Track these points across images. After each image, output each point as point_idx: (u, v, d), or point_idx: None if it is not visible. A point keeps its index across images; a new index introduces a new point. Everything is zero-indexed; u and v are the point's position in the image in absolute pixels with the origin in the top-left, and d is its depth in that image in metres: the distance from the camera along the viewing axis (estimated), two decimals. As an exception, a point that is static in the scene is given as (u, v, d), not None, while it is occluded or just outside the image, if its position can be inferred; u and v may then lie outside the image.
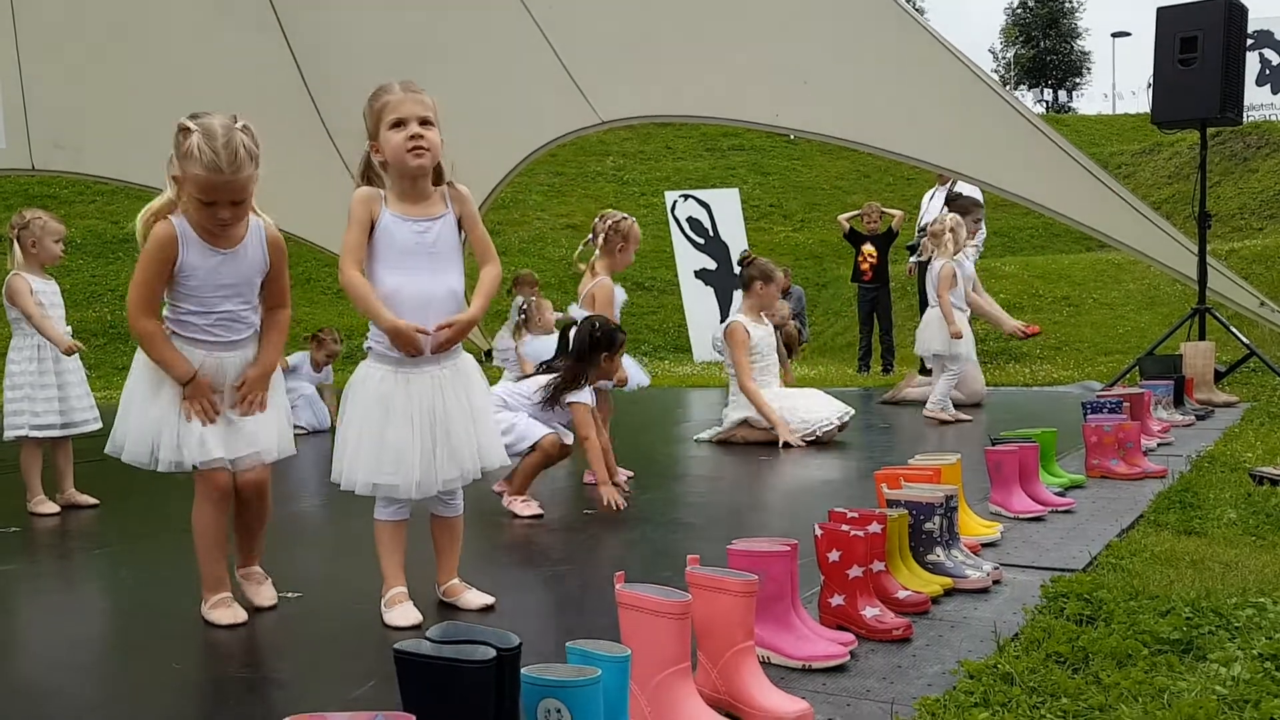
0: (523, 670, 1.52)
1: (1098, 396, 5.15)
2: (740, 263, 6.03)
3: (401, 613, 2.48)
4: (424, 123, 2.50)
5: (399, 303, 2.50)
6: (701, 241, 13.87)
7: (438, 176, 2.63)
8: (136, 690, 2.22)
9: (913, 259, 9.61)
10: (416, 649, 1.47)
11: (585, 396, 3.99)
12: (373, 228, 2.53)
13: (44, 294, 4.40)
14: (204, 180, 2.41)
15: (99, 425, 4.53)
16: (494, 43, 7.66)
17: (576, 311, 4.74)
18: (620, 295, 4.86)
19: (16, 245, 4.39)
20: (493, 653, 1.43)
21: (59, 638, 2.62)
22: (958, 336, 6.57)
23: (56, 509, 4.33)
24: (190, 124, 2.43)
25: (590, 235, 4.92)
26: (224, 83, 8.20)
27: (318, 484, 4.77)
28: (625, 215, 4.89)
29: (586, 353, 4.05)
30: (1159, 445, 5.02)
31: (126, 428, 2.56)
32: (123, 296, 16.37)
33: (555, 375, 4.02)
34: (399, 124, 2.49)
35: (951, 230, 6.68)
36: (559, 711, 1.50)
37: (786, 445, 5.55)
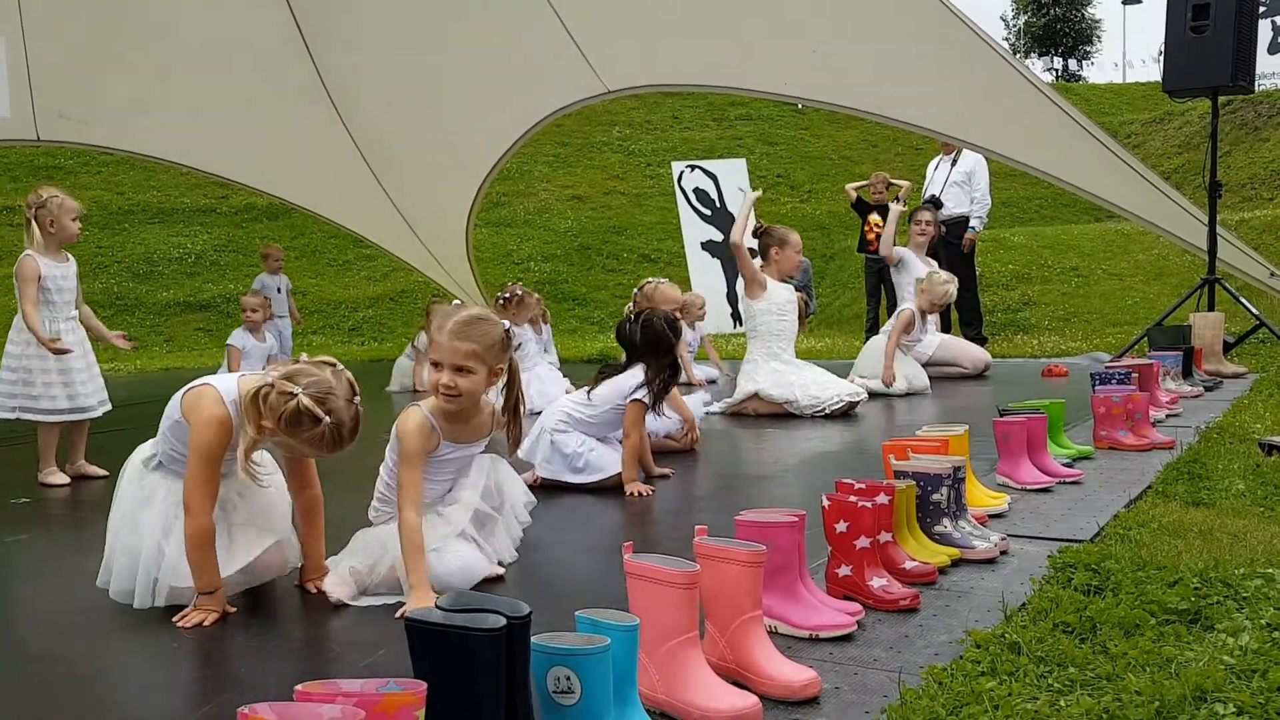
0: (533, 639, 1.53)
1: (1106, 368, 5.14)
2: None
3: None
4: (459, 369, 2.53)
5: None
6: (708, 213, 13.82)
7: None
8: (145, 658, 2.24)
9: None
10: (428, 617, 1.48)
11: (645, 396, 3.96)
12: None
13: (53, 278, 4.38)
14: (319, 453, 2.44)
15: (108, 408, 4.55)
16: (500, 10, 7.60)
17: None
18: None
19: (35, 224, 4.37)
20: (503, 621, 1.44)
21: (68, 605, 2.64)
22: (888, 383, 6.61)
23: (66, 480, 4.35)
24: (317, 410, 2.32)
25: (631, 304, 5.23)
26: (228, 51, 8.18)
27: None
28: (650, 279, 5.44)
29: (667, 344, 4.01)
30: (1167, 416, 5.01)
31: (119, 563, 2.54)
32: (129, 267, 16.44)
33: (651, 377, 3.96)
34: (436, 365, 2.57)
35: (939, 294, 6.92)
36: (569, 679, 1.51)
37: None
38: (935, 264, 7.98)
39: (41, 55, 7.53)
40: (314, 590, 2.59)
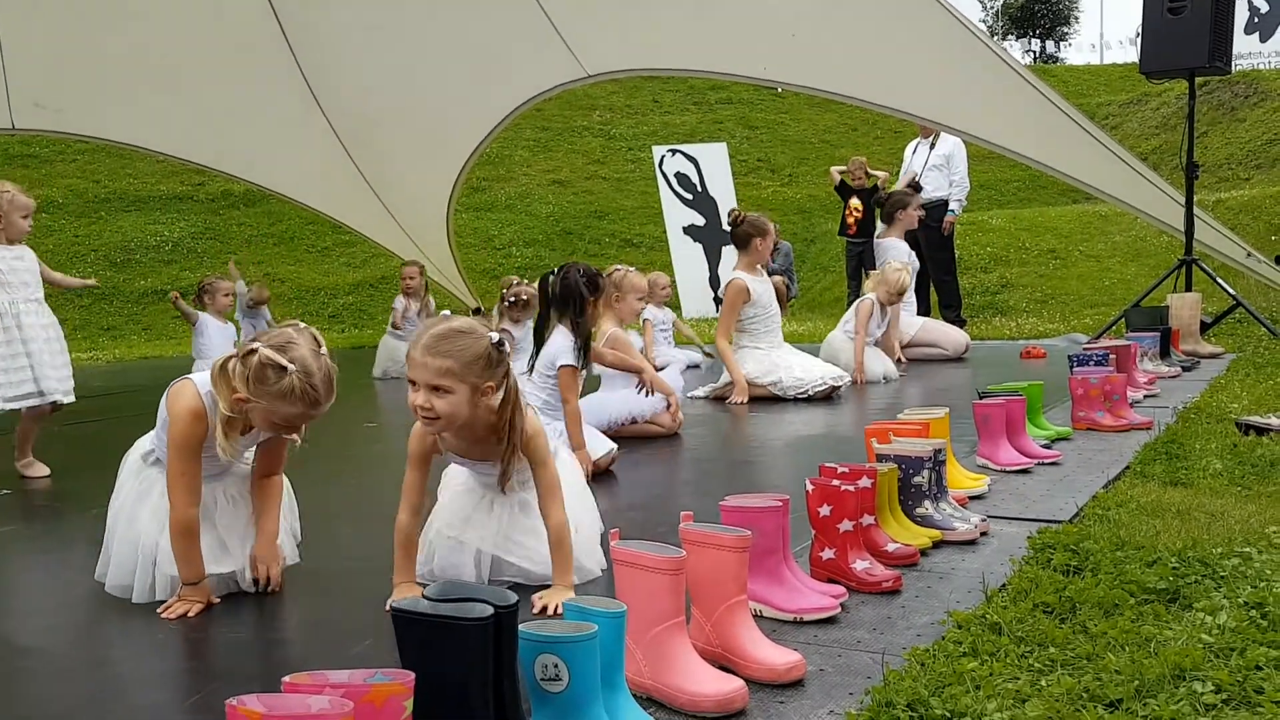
0: (521, 627, 1.53)
1: (1084, 349, 5.18)
2: (731, 223, 6.02)
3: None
4: (435, 388, 2.23)
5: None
6: (690, 197, 13.81)
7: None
8: (132, 649, 2.24)
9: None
10: (414, 607, 1.48)
11: (573, 359, 3.95)
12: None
13: (5, 259, 4.31)
14: (299, 415, 2.36)
15: (72, 400, 4.45)
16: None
17: (596, 368, 4.68)
18: (635, 340, 4.94)
19: None
20: (490, 610, 1.44)
21: (54, 598, 2.63)
22: (860, 380, 6.45)
23: (46, 471, 4.32)
24: (283, 360, 2.27)
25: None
26: (202, 38, 8.11)
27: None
28: (618, 266, 5.02)
29: (580, 300, 4.01)
30: (1145, 397, 5.06)
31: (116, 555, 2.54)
32: (106, 255, 16.32)
33: (571, 335, 3.97)
34: (413, 384, 2.28)
35: (894, 282, 6.79)
36: (556, 667, 1.52)
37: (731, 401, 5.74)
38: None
39: (16, 44, 7.46)
40: (259, 578, 2.52)
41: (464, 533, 2.50)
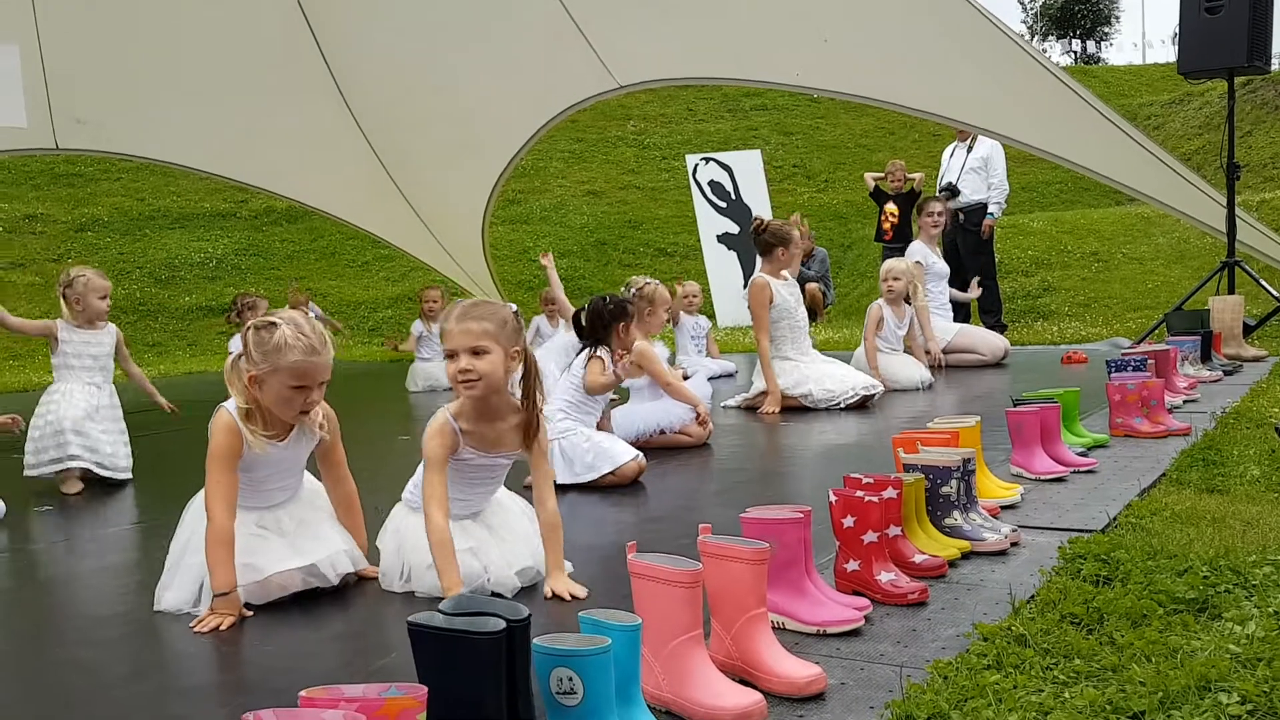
0: (535, 640, 1.54)
1: (1123, 355, 5.11)
2: (753, 231, 6.00)
3: None
4: (475, 352, 2.47)
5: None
6: (724, 205, 13.80)
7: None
8: (160, 663, 2.28)
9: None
10: (429, 621, 1.50)
11: (604, 354, 4.17)
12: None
13: (71, 343, 4.53)
14: (301, 365, 2.49)
15: (128, 477, 4.58)
16: (510, 9, 7.62)
17: (627, 382, 4.87)
18: (663, 351, 5.03)
19: (63, 301, 4.56)
20: (503, 624, 1.46)
21: (88, 611, 2.69)
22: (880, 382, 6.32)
23: (80, 487, 4.41)
24: (272, 319, 2.51)
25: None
26: (243, 57, 8.25)
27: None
28: (648, 280, 5.11)
29: (606, 326, 4.23)
30: (1185, 402, 4.98)
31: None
32: (151, 272, 16.58)
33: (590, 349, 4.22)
34: (452, 355, 2.51)
35: (909, 282, 6.78)
36: (571, 680, 1.53)
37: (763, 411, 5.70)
38: (938, 254, 7.94)
39: (58, 64, 7.62)
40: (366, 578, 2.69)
41: (465, 542, 2.56)
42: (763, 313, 5.80)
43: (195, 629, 2.40)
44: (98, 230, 17.20)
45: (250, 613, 2.49)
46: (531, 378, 2.58)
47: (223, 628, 2.40)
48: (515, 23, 7.71)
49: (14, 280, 15.20)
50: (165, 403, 5.00)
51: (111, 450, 4.51)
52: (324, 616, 2.51)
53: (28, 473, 4.43)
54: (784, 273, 5.95)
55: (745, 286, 13.25)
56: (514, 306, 2.59)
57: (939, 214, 7.95)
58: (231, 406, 2.56)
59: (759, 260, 6.04)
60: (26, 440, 4.45)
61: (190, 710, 1.99)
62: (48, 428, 4.43)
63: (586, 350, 4.23)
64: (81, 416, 4.46)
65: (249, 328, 2.52)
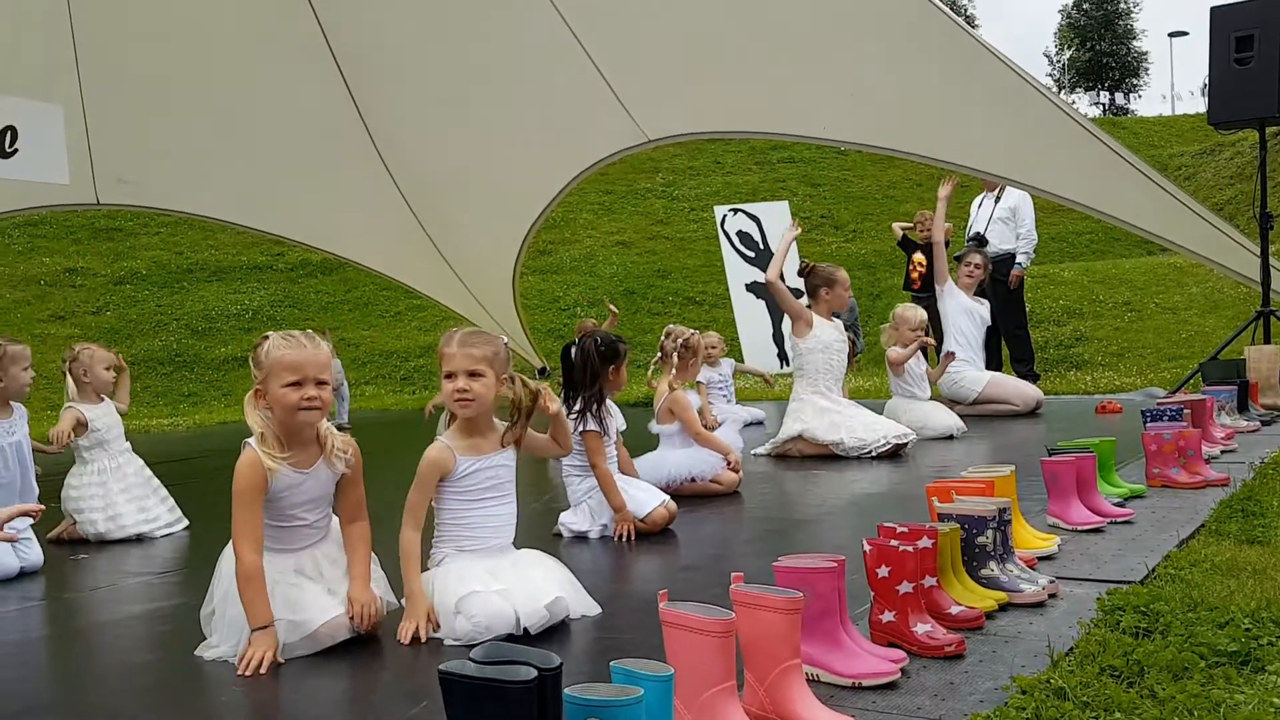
0: (566, 690, 1.54)
1: (1158, 404, 5.06)
2: (800, 273, 6.04)
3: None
4: (472, 375, 2.74)
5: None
6: (752, 255, 13.86)
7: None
8: (196, 709, 2.28)
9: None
10: (460, 669, 1.50)
11: (595, 425, 3.96)
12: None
13: (100, 419, 4.58)
14: (292, 359, 2.60)
15: (183, 525, 4.65)
16: (539, 64, 7.75)
17: (654, 427, 4.90)
18: (694, 399, 5.04)
19: (69, 377, 4.58)
20: (534, 673, 1.45)
21: (126, 659, 2.69)
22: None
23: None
24: (266, 335, 2.68)
25: (659, 354, 5.31)
26: (279, 112, 8.43)
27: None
28: (692, 331, 5.17)
29: (596, 369, 4.05)
30: (1222, 452, 4.91)
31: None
32: (188, 324, 16.86)
33: (580, 398, 4.02)
34: (450, 376, 2.75)
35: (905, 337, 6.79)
36: (603, 731, 1.51)
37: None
38: (985, 304, 7.92)
39: (100, 122, 7.81)
40: (355, 618, 2.62)
41: (491, 585, 2.62)
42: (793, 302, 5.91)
43: (241, 672, 2.42)
44: (136, 283, 17.50)
45: (284, 660, 2.49)
46: (520, 396, 2.82)
47: (266, 661, 2.43)
48: (546, 79, 7.84)
49: (54, 332, 15.47)
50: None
51: (166, 506, 4.61)
52: (357, 664, 2.50)
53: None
54: (833, 317, 6.00)
55: (773, 334, 13.34)
56: (506, 339, 2.89)
57: (976, 265, 7.93)
58: (253, 441, 2.61)
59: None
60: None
61: (222, 759, 1.98)
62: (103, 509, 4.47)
63: (576, 417, 3.97)
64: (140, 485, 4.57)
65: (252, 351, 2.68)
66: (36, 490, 4.20)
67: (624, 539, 3.80)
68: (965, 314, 7.72)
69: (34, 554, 3.88)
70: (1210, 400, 5.30)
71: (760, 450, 6.03)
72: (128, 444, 4.73)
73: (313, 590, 2.62)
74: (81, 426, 4.52)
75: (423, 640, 2.58)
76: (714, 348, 8.20)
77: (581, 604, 2.76)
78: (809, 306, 6.02)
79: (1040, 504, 3.67)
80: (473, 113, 8.32)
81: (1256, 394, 6.62)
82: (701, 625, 1.74)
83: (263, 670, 2.42)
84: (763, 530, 4.03)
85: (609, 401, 4.10)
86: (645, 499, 3.94)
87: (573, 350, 4.12)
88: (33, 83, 7.32)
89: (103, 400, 4.67)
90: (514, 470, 2.88)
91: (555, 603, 2.62)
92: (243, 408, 2.67)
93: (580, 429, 3.94)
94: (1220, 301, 12.38)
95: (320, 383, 2.63)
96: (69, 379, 4.58)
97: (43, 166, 7.46)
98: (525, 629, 2.58)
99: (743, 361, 11.16)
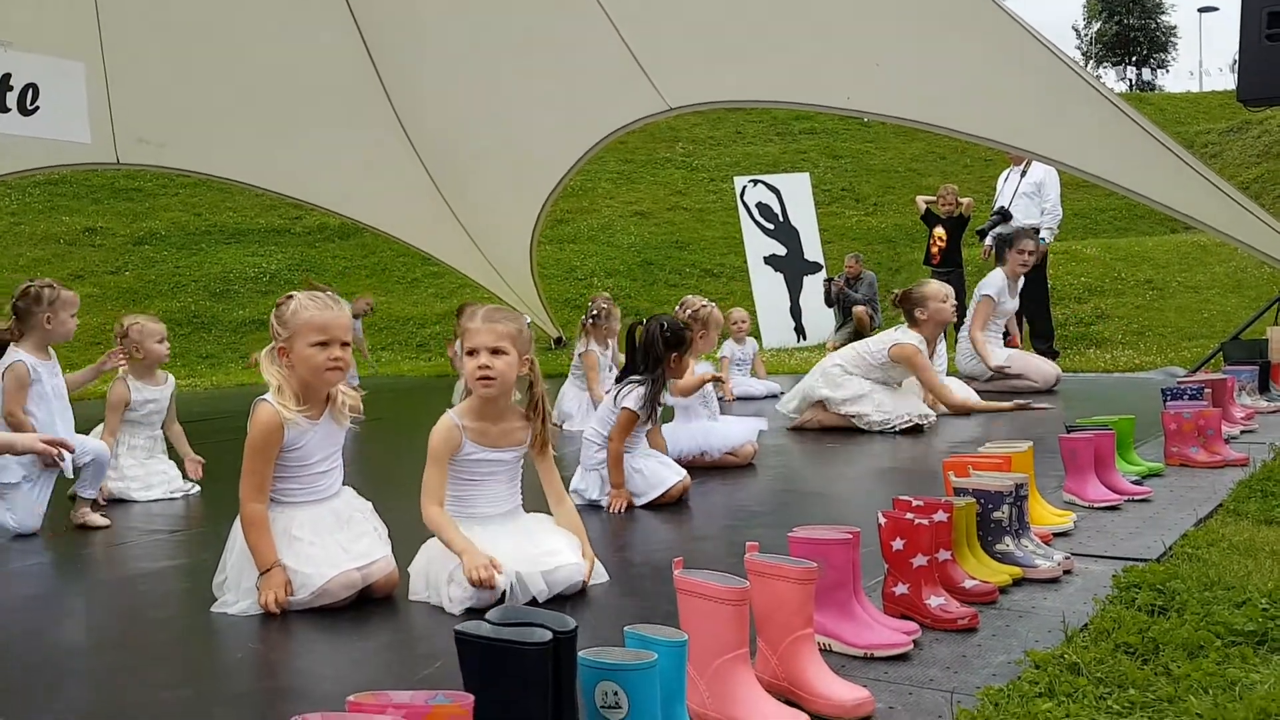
0: (581, 654, 1.54)
1: (1178, 383, 5.02)
2: (894, 304, 6.06)
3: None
4: (495, 352, 2.68)
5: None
6: (771, 227, 13.77)
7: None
8: (209, 670, 2.30)
9: (987, 241, 9.46)
10: (476, 630, 1.50)
11: (636, 405, 3.89)
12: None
13: (140, 403, 4.52)
14: (318, 320, 2.65)
15: (192, 489, 4.60)
16: (561, 30, 7.69)
17: (669, 399, 4.68)
18: (706, 369, 4.92)
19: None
20: (549, 635, 1.45)
21: (138, 619, 2.72)
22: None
23: (106, 522, 4.06)
24: (290, 294, 2.72)
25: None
26: (300, 75, 8.39)
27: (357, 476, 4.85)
28: (705, 302, 5.01)
29: (659, 354, 3.98)
30: (1242, 432, 4.88)
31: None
32: (205, 286, 16.88)
33: (643, 385, 3.94)
34: (472, 352, 2.71)
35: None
36: (616, 694, 1.52)
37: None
38: (1013, 292, 7.80)
39: (121, 81, 7.79)
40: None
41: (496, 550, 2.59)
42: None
43: (263, 607, 2.53)
44: (155, 244, 17.54)
45: (293, 596, 2.56)
46: (539, 386, 2.79)
47: (279, 600, 2.51)
48: (568, 45, 7.77)
49: (73, 291, 15.52)
50: (195, 464, 4.67)
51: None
52: (371, 624, 2.52)
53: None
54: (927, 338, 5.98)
55: (791, 308, 13.29)
56: (528, 318, 2.86)
57: (1030, 252, 7.60)
58: (268, 396, 2.65)
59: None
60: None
61: (237, 715, 2.00)
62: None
63: (629, 386, 3.94)
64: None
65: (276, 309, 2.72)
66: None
67: (619, 511, 3.78)
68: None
69: (30, 519, 3.79)
70: (1231, 380, 5.26)
71: (783, 407, 6.03)
72: (153, 439, 4.60)
73: (326, 545, 2.65)
74: (125, 406, 4.48)
75: (497, 580, 2.51)
76: (743, 322, 8.17)
77: (589, 571, 2.72)
78: (910, 326, 5.93)
79: (1057, 480, 3.66)
80: (493, 79, 8.27)
81: (1278, 374, 6.56)
82: (716, 593, 1.74)
83: (275, 610, 2.51)
84: (778, 502, 4.03)
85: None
86: (667, 475, 3.91)
87: (637, 330, 4.05)
88: (55, 41, 7.31)
89: (157, 377, 4.58)
90: (520, 460, 2.83)
91: (555, 571, 2.60)
92: (260, 364, 2.69)
93: (621, 404, 3.90)
94: (1244, 281, 12.26)
95: (344, 344, 2.67)
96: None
97: (64, 125, 7.46)
98: (534, 597, 2.57)
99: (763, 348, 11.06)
